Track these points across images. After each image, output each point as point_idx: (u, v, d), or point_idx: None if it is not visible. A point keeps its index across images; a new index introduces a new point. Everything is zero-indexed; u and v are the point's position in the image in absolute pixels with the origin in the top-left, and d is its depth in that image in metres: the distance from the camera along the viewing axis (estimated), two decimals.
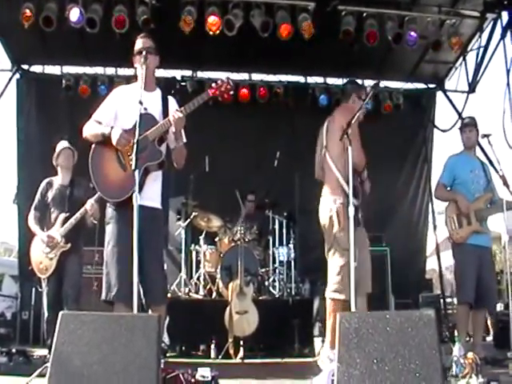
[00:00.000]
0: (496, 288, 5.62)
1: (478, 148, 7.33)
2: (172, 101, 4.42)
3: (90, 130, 4.29)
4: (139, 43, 4.35)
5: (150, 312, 4.14)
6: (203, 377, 4.10)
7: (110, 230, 4.22)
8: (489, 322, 7.74)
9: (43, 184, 5.98)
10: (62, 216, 5.71)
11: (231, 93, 4.36)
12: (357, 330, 2.99)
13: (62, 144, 5.97)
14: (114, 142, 4.10)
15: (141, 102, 3.94)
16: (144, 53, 4.21)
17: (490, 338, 7.89)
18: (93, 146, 4.28)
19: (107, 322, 3.03)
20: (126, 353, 2.88)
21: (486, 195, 5.65)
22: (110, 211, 4.25)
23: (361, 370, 2.88)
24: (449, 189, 5.83)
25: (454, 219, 5.65)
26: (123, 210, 3.99)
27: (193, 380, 4.03)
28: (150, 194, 4.20)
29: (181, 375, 3.83)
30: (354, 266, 4.27)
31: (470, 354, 3.83)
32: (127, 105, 4.24)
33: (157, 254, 4.28)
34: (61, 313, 3.13)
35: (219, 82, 4.27)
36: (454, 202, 5.72)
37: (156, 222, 4.28)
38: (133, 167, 3.73)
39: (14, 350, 5.20)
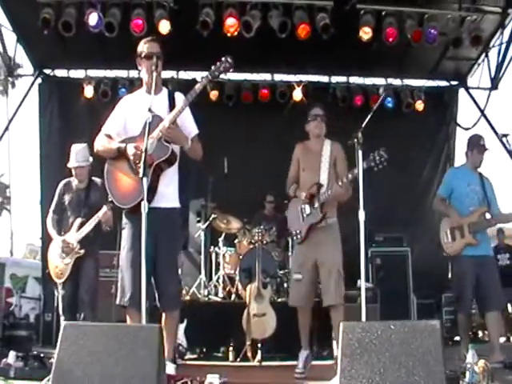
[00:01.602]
0: (500, 289, 5.59)
1: (501, 148, 7.35)
2: (179, 96, 4.35)
3: (102, 145, 4.32)
4: (147, 47, 4.30)
5: (163, 316, 4.18)
6: None
7: (125, 235, 4.27)
8: None
9: (60, 186, 6.01)
10: (78, 221, 5.73)
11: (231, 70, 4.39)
12: (360, 341, 2.95)
13: (78, 146, 5.98)
14: (131, 158, 4.11)
15: (150, 110, 3.94)
16: (155, 58, 4.21)
17: None
18: (107, 160, 4.32)
19: (109, 332, 3.04)
20: (127, 364, 2.87)
21: (481, 209, 5.64)
22: (125, 217, 4.30)
23: (363, 382, 2.85)
24: (448, 201, 5.83)
25: (447, 233, 5.70)
26: (137, 215, 3.98)
27: None
28: (166, 195, 4.23)
29: (189, 382, 3.84)
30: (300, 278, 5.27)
31: (481, 362, 3.76)
32: (135, 112, 4.27)
33: (170, 259, 4.29)
34: (63, 323, 3.15)
35: (218, 63, 4.19)
36: (447, 216, 5.78)
37: (171, 225, 4.29)
38: (140, 175, 3.75)
39: (31, 354, 5.25)
